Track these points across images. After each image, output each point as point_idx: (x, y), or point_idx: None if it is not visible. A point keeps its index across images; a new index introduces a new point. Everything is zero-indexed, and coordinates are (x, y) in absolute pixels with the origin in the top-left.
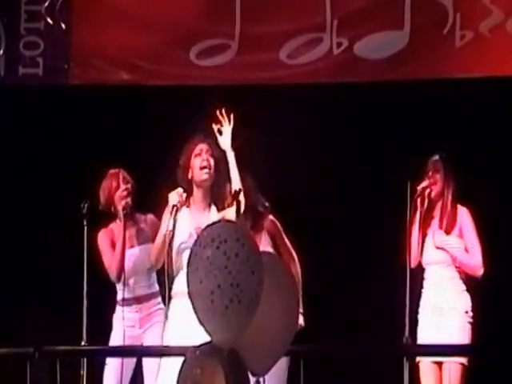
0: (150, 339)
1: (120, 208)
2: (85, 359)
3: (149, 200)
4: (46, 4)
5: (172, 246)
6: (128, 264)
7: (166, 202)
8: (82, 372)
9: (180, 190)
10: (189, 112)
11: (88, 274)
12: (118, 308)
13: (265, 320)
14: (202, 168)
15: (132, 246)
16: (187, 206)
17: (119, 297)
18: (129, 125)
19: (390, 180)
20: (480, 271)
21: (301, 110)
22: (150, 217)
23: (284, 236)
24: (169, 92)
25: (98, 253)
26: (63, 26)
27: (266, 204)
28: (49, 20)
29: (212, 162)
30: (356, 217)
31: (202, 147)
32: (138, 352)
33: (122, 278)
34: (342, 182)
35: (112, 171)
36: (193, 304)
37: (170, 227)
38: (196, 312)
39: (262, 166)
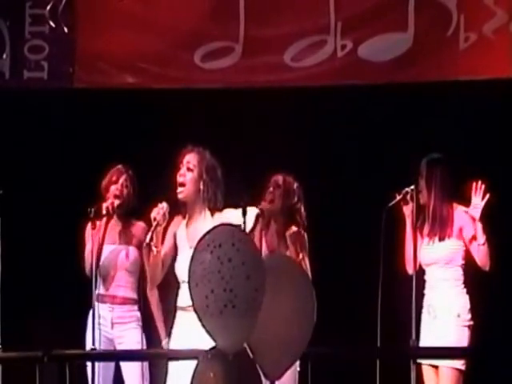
0: (127, 345)
1: (107, 204)
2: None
3: (149, 204)
4: (49, 7)
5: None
6: (106, 259)
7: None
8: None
9: (164, 204)
10: (193, 115)
11: (97, 278)
12: (95, 304)
13: (280, 323)
14: (178, 185)
15: (113, 243)
16: (183, 218)
17: (95, 292)
18: (133, 128)
19: (394, 181)
20: (488, 264)
21: (305, 113)
22: (140, 224)
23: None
24: (173, 95)
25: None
26: (67, 29)
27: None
28: (52, 23)
29: (188, 176)
30: (359, 218)
31: (185, 160)
32: (146, 356)
33: (95, 273)
34: (346, 185)
35: (119, 167)
36: (193, 306)
37: (148, 240)
38: (197, 315)
39: (264, 168)
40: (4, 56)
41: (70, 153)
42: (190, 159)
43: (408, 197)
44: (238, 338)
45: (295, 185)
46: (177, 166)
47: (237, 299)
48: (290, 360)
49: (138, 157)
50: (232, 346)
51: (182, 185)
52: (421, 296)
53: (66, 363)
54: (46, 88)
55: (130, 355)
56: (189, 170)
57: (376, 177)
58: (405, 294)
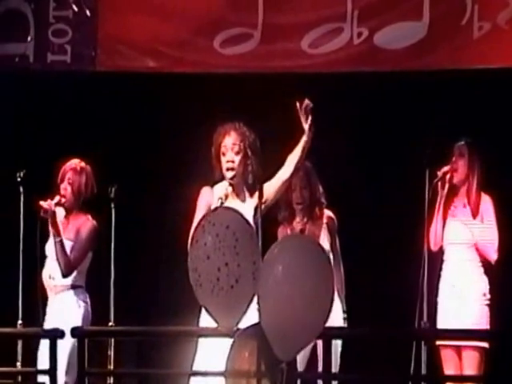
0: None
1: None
2: (112, 340)
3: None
4: None
5: None
6: None
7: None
8: (109, 352)
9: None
10: (212, 99)
11: (116, 255)
12: None
13: (297, 305)
14: (228, 170)
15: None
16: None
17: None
18: (154, 111)
19: (409, 168)
20: (494, 257)
21: (322, 98)
22: (86, 218)
23: (337, 237)
24: (193, 79)
25: None
26: (90, 14)
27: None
28: (75, 8)
29: (237, 158)
30: (375, 202)
31: (226, 143)
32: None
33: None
34: (361, 169)
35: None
36: None
37: None
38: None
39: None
40: (28, 39)
41: (91, 134)
42: (233, 139)
43: (447, 178)
44: (219, 316)
45: (314, 176)
46: (217, 145)
47: (201, 278)
48: (305, 342)
49: (157, 138)
50: (223, 324)
51: (230, 170)
52: (437, 277)
53: (85, 339)
54: (68, 71)
55: (147, 332)
56: (237, 154)
57: (392, 161)
58: (418, 275)
